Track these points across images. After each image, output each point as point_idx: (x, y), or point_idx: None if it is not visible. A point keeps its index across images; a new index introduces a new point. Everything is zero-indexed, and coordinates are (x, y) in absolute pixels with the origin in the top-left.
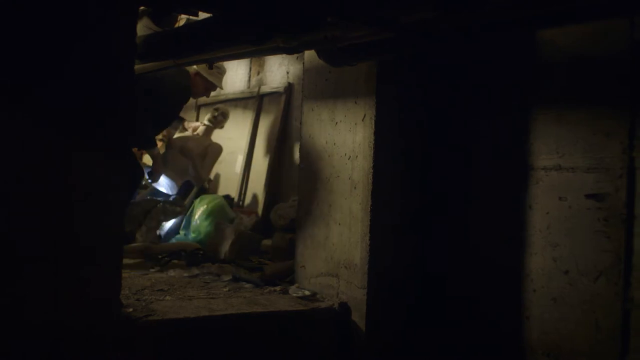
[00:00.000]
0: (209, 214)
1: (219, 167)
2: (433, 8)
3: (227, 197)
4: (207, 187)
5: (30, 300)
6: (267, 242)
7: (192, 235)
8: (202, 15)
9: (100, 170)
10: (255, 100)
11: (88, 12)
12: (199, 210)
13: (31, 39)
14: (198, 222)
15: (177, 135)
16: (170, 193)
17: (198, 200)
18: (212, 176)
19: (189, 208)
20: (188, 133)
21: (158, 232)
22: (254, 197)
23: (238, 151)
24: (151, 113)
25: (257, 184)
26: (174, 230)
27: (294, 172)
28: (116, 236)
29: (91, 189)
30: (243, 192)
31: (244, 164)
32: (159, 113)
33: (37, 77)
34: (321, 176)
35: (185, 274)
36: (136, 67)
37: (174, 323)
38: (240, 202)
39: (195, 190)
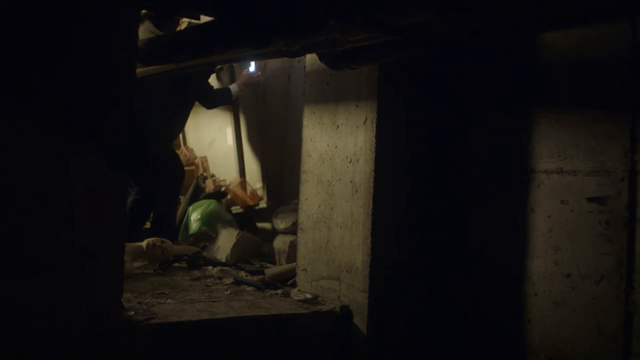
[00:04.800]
0: (204, 222)
1: (215, 170)
2: (433, 10)
3: (219, 194)
4: (203, 186)
5: (29, 301)
6: (268, 245)
7: None
8: (204, 19)
9: (100, 170)
10: None
11: (87, 8)
12: (194, 216)
13: (29, 36)
14: (194, 226)
15: None
16: None
17: (191, 208)
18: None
19: (186, 210)
20: None
21: None
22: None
23: (230, 152)
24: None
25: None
26: None
27: (295, 175)
28: (117, 237)
29: (91, 188)
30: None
31: (238, 169)
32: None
33: (35, 75)
34: (322, 179)
35: (187, 277)
36: (138, 70)
37: (176, 326)
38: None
39: (191, 189)
